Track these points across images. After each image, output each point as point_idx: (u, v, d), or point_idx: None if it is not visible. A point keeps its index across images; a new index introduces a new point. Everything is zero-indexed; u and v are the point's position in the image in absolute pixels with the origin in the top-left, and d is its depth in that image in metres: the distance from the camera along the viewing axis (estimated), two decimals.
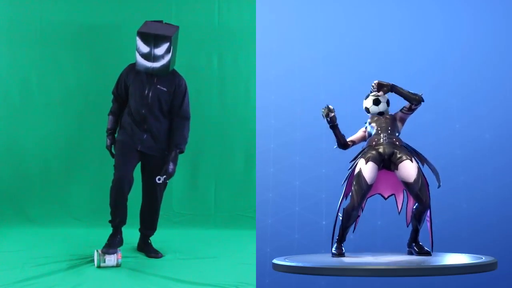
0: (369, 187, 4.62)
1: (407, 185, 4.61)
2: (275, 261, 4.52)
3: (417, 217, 4.68)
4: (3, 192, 6.51)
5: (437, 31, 6.15)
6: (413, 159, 4.62)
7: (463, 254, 4.80)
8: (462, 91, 6.07)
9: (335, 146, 4.87)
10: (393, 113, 4.83)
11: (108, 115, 5.72)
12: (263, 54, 6.17)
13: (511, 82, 6.08)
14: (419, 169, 4.61)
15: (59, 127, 6.55)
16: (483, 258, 4.45)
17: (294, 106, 6.19)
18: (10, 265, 5.40)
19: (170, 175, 5.56)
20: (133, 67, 5.60)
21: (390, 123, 4.75)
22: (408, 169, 4.60)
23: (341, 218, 4.67)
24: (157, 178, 5.61)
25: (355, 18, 6.10)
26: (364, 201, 4.69)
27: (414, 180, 4.57)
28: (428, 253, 4.66)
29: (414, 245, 4.73)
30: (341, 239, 4.73)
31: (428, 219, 4.69)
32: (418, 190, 4.57)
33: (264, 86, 6.18)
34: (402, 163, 4.61)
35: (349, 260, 4.55)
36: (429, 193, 4.61)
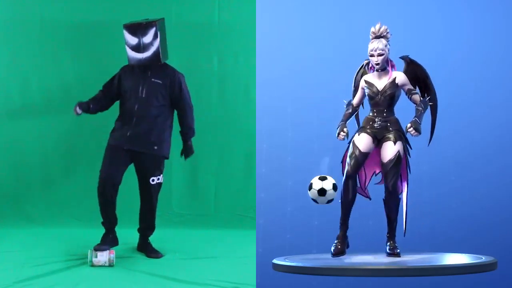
0: (362, 154, 4.54)
1: (381, 164, 4.59)
2: (275, 261, 4.52)
3: (385, 203, 4.59)
4: (3, 192, 6.52)
5: (437, 31, 6.15)
6: (397, 142, 4.55)
7: (463, 254, 4.80)
8: (461, 91, 6.07)
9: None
10: (395, 82, 4.61)
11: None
12: (263, 54, 6.16)
13: (510, 82, 6.08)
14: (398, 153, 4.54)
15: (59, 127, 6.56)
16: (483, 258, 4.45)
17: (295, 106, 6.18)
18: (10, 265, 5.40)
19: (189, 154, 5.84)
20: (128, 67, 5.63)
21: (388, 102, 4.62)
22: (387, 149, 4.55)
23: (340, 200, 4.60)
24: (150, 180, 5.63)
25: (355, 18, 6.10)
26: (360, 171, 4.61)
27: (388, 160, 4.53)
28: (397, 255, 4.55)
29: (388, 244, 4.62)
30: (343, 223, 4.58)
31: (404, 206, 4.62)
32: (387, 171, 4.53)
33: (264, 86, 6.18)
34: (385, 142, 4.57)
35: (349, 260, 4.55)
36: (397, 180, 4.54)
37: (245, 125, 6.61)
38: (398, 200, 4.61)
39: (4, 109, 6.53)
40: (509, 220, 5.87)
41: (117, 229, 5.66)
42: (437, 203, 5.92)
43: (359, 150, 4.57)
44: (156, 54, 5.50)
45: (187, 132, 5.75)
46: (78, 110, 5.60)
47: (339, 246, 4.56)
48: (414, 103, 4.62)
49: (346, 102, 4.81)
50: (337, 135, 4.63)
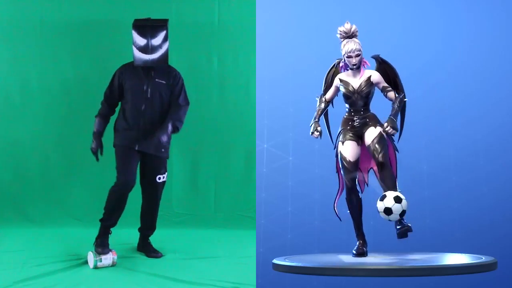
0: (353, 164, 4.63)
1: (368, 148, 4.64)
2: (275, 261, 4.52)
3: (382, 179, 4.58)
4: (3, 192, 6.52)
5: (437, 31, 6.15)
6: (378, 127, 4.63)
7: (463, 254, 4.80)
8: (458, 91, 6.07)
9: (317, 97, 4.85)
10: (370, 81, 4.68)
11: (95, 117, 5.64)
12: (263, 54, 6.16)
13: (507, 83, 6.08)
14: (380, 133, 4.60)
15: (59, 127, 6.56)
16: (483, 258, 4.45)
17: (295, 105, 6.18)
18: (10, 265, 5.40)
19: (160, 144, 5.44)
20: (127, 66, 5.58)
21: (364, 100, 4.69)
22: (369, 133, 4.63)
23: (348, 211, 4.70)
24: (157, 178, 5.62)
25: (355, 18, 6.10)
26: (358, 180, 4.67)
27: (372, 139, 4.60)
28: (408, 229, 4.49)
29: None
30: (358, 233, 4.70)
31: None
32: (374, 148, 4.57)
33: (264, 86, 6.18)
34: (366, 131, 4.65)
35: (349, 260, 4.55)
36: (387, 153, 4.58)
37: (245, 125, 6.61)
38: (392, 173, 4.62)
39: (4, 109, 6.53)
40: (509, 220, 5.87)
41: (117, 229, 5.64)
42: (437, 203, 5.92)
43: (350, 162, 4.65)
44: (163, 56, 5.45)
45: (174, 119, 5.49)
46: (95, 149, 5.56)
47: (360, 247, 4.67)
48: (390, 100, 4.69)
49: (318, 96, 4.86)
50: (310, 133, 4.70)
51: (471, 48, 6.11)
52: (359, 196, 4.67)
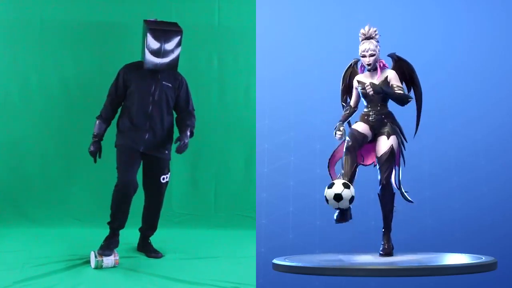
0: (360, 133, 4.66)
1: (376, 158, 4.71)
2: (275, 261, 4.52)
3: (380, 197, 4.69)
4: (3, 192, 6.52)
5: (437, 31, 6.16)
6: (391, 137, 4.67)
7: (463, 254, 4.80)
8: (458, 91, 6.08)
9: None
10: (387, 80, 4.73)
11: (97, 118, 5.61)
12: (263, 54, 6.16)
13: (507, 83, 6.09)
14: (391, 147, 4.64)
15: (59, 127, 6.56)
16: (483, 258, 4.45)
17: (295, 106, 6.19)
18: (10, 265, 5.40)
19: (184, 147, 5.48)
20: (131, 67, 5.57)
21: (382, 97, 4.72)
22: (381, 144, 4.67)
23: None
24: (161, 178, 5.62)
25: (355, 18, 6.11)
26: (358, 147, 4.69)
27: (381, 155, 4.65)
28: (389, 255, 4.64)
29: (381, 244, 4.70)
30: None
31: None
32: (381, 165, 4.64)
33: (264, 86, 6.18)
34: (379, 137, 4.70)
35: (349, 260, 4.55)
36: (391, 174, 4.62)
37: (245, 125, 6.61)
38: (392, 194, 4.69)
39: (4, 109, 6.53)
40: (509, 220, 5.88)
41: None
42: (437, 203, 5.93)
43: (357, 131, 4.69)
44: (174, 61, 5.45)
45: (191, 126, 5.61)
46: (94, 153, 5.54)
47: (342, 214, 4.58)
48: None
49: (345, 104, 4.92)
50: (334, 134, 4.72)
51: (471, 48, 6.12)
52: (355, 159, 4.63)
